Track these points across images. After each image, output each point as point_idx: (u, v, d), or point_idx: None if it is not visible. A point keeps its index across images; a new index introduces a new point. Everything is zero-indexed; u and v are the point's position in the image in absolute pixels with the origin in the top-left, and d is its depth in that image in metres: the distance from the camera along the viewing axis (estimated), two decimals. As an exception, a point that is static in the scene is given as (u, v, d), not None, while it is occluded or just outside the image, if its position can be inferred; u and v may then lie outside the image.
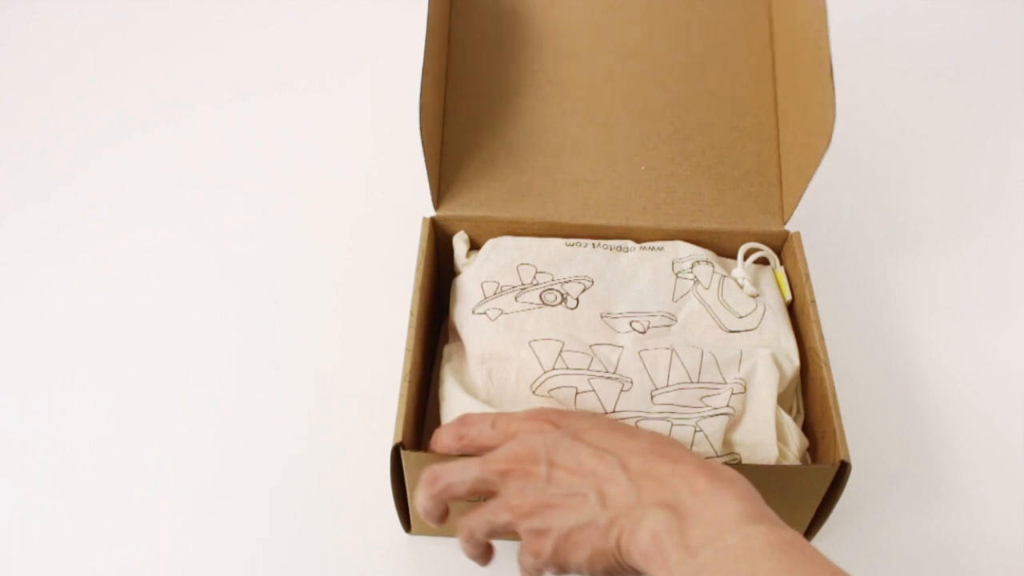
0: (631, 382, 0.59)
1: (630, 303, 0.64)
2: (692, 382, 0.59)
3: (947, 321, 0.76)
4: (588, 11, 0.77)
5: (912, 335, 0.75)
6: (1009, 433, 0.69)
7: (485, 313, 0.63)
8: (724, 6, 0.77)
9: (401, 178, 0.84)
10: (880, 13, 1.03)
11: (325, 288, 0.77)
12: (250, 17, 1.03)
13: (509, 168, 0.70)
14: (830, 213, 0.83)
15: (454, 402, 0.60)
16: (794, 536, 0.42)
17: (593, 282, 0.65)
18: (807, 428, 0.62)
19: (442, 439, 0.54)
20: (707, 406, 0.58)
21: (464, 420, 0.53)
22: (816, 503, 0.58)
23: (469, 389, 0.61)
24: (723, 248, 0.69)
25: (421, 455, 0.56)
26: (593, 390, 0.58)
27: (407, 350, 0.59)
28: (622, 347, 0.61)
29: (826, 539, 0.63)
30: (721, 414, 0.57)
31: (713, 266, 0.66)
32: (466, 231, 0.69)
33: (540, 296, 0.64)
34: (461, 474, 0.50)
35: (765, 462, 0.57)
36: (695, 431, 0.57)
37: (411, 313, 0.61)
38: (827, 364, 0.60)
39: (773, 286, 0.67)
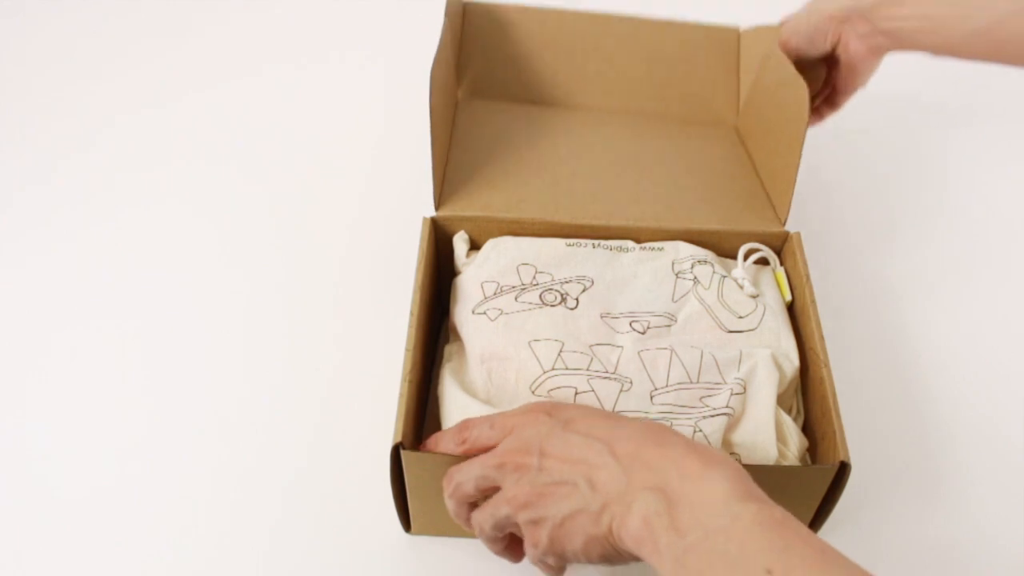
0: (630, 382, 0.59)
1: (630, 303, 0.64)
2: (692, 382, 0.59)
3: (948, 321, 0.76)
4: (591, 42, 0.82)
5: (912, 335, 0.75)
6: (1010, 433, 0.69)
7: (485, 313, 0.63)
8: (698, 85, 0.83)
9: (401, 178, 0.84)
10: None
11: (325, 288, 0.77)
12: (253, 16, 1.03)
13: (510, 183, 0.71)
14: (830, 213, 0.83)
15: (453, 402, 0.60)
16: (783, 514, 0.42)
17: (593, 282, 0.65)
18: (807, 428, 0.62)
19: (443, 444, 0.54)
20: (707, 406, 0.58)
21: (464, 424, 0.54)
22: (816, 503, 0.58)
23: (469, 389, 0.61)
24: (723, 248, 0.69)
25: (421, 455, 0.56)
26: (592, 390, 0.58)
27: (407, 350, 0.59)
28: (622, 347, 0.61)
29: (826, 539, 0.62)
30: (721, 414, 0.57)
31: (713, 266, 0.66)
32: (466, 231, 0.69)
33: (540, 296, 0.64)
34: (466, 472, 0.51)
35: (764, 462, 0.57)
36: (695, 431, 0.57)
37: (411, 313, 0.61)
38: (827, 364, 0.60)
39: (773, 286, 0.67)
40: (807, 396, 0.63)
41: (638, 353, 0.60)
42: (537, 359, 0.60)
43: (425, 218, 0.67)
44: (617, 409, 0.58)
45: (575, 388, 0.58)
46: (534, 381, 0.59)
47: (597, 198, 0.70)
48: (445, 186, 0.70)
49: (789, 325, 0.64)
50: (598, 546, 0.46)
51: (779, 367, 0.61)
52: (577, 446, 0.47)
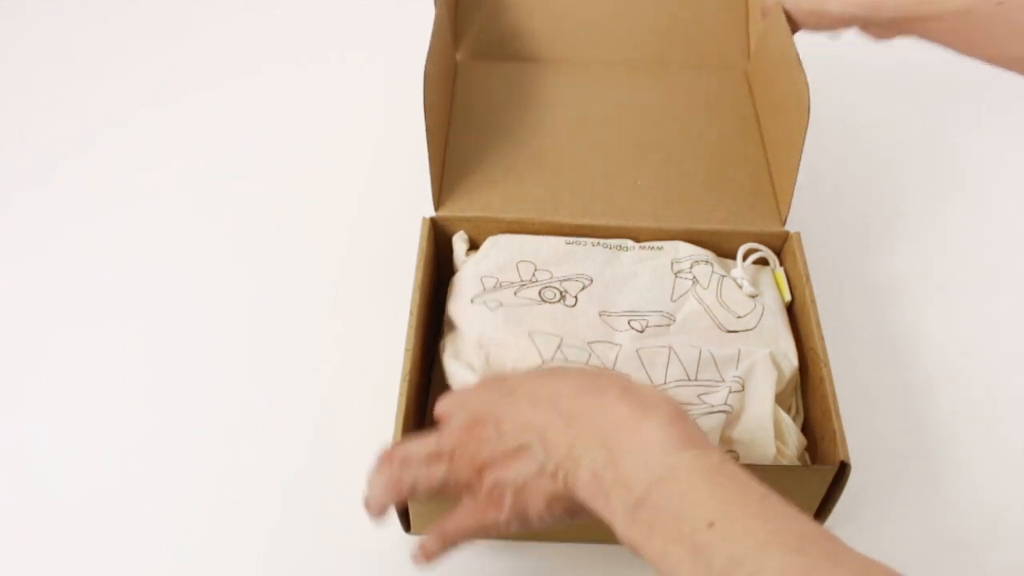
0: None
1: (629, 302, 0.64)
2: (690, 380, 0.59)
3: (948, 321, 0.76)
4: (589, 39, 0.82)
5: (912, 335, 0.75)
6: (1010, 433, 0.69)
7: (484, 303, 0.63)
8: (706, 28, 0.82)
9: (401, 178, 0.84)
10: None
11: (325, 288, 0.77)
12: (253, 16, 1.03)
13: (510, 181, 0.71)
14: (830, 213, 0.83)
15: (458, 378, 0.60)
16: (720, 458, 0.42)
17: (592, 280, 0.65)
18: (807, 428, 0.62)
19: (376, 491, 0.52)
20: (705, 403, 0.58)
21: (402, 445, 0.52)
22: (816, 503, 0.58)
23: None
24: (723, 248, 0.69)
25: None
26: None
27: (407, 350, 0.59)
28: (620, 345, 0.61)
29: (826, 539, 0.63)
30: (719, 411, 0.57)
31: (712, 266, 0.66)
32: (466, 231, 0.69)
33: (539, 293, 0.64)
34: (419, 469, 0.50)
35: (763, 460, 0.57)
36: None
37: (411, 313, 0.61)
38: (827, 364, 0.60)
39: (772, 286, 0.67)
40: (807, 396, 0.63)
41: (636, 351, 0.60)
42: (537, 348, 0.60)
43: (425, 218, 0.67)
44: None
45: None
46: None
47: (597, 194, 0.70)
48: (444, 185, 0.70)
49: (788, 325, 0.64)
50: (559, 503, 0.46)
51: (777, 366, 0.61)
52: (525, 409, 0.48)
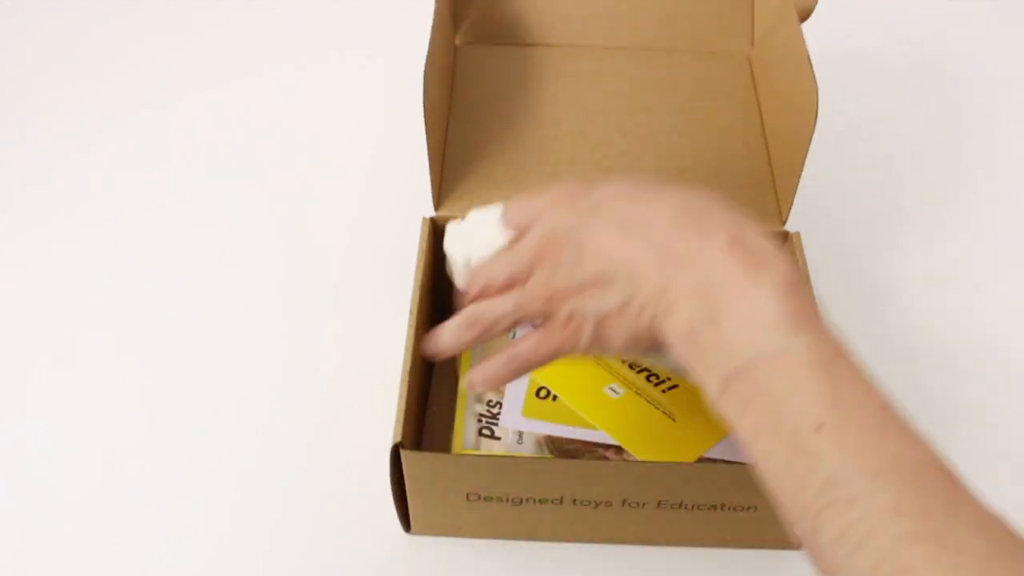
0: None
1: None
2: None
3: (949, 321, 0.76)
4: (590, 24, 0.81)
5: (913, 335, 0.75)
6: (1012, 433, 0.69)
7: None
8: (710, 13, 0.81)
9: (401, 178, 0.84)
10: (879, 13, 1.03)
11: (325, 288, 0.77)
12: (253, 16, 1.03)
13: (509, 178, 0.71)
14: (830, 213, 0.83)
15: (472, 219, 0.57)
16: (836, 350, 0.38)
17: None
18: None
19: (449, 327, 0.49)
20: None
21: (476, 272, 0.49)
22: (816, 503, 0.58)
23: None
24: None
25: (421, 455, 0.56)
26: None
27: (407, 350, 0.59)
28: None
29: (826, 539, 0.63)
30: None
31: None
32: (466, 231, 0.69)
33: None
34: (493, 270, 0.47)
35: None
36: None
37: (411, 313, 0.61)
38: (827, 364, 0.60)
39: None
40: (807, 396, 0.63)
41: None
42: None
43: (425, 218, 0.67)
44: None
45: None
46: None
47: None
48: (444, 185, 0.70)
49: None
50: (643, 341, 0.44)
51: None
52: (613, 235, 0.43)
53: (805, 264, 0.66)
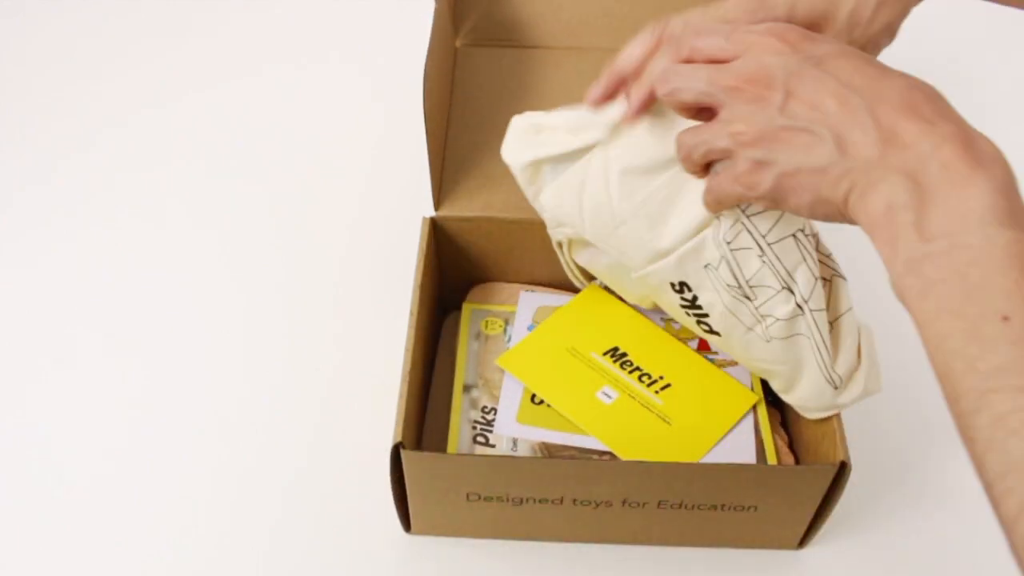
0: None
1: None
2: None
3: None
4: (589, 26, 0.80)
5: (913, 335, 0.75)
6: None
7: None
8: None
9: (401, 178, 0.84)
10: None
11: (325, 288, 0.77)
12: (253, 16, 1.03)
13: (510, 180, 0.71)
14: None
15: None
16: None
17: None
18: (808, 429, 0.62)
19: (657, 59, 0.47)
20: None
21: (698, 31, 0.46)
22: (816, 503, 0.58)
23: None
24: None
25: (421, 454, 0.56)
26: None
27: (407, 350, 0.59)
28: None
29: (826, 539, 0.63)
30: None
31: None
32: (466, 231, 0.69)
33: None
34: (689, 78, 0.45)
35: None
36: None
37: (411, 313, 0.61)
38: (827, 364, 0.60)
39: None
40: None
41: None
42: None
43: (425, 218, 0.67)
44: None
45: None
46: None
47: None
48: (444, 185, 0.70)
49: None
50: (825, 208, 0.43)
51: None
52: (831, 93, 0.41)
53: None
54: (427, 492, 0.58)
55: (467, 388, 0.66)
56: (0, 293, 0.77)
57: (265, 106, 0.93)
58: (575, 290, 0.70)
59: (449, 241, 0.69)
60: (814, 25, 0.50)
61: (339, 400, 0.70)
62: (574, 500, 0.58)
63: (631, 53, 0.51)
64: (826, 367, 0.56)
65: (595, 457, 0.61)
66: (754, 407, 0.64)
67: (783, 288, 0.54)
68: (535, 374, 0.64)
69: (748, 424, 0.63)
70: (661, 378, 0.65)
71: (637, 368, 0.65)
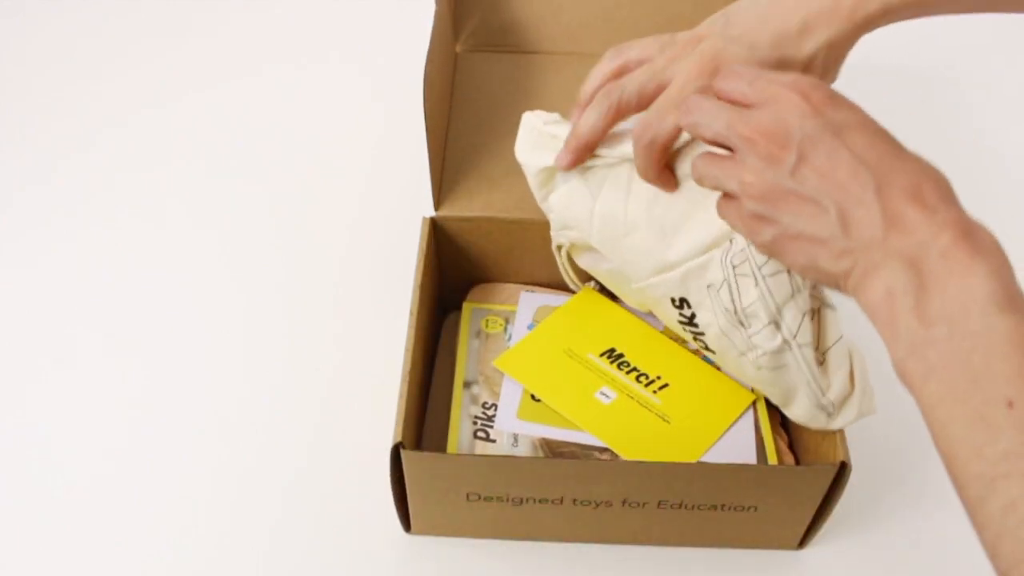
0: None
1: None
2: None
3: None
4: (589, 31, 0.80)
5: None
6: None
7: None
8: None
9: (401, 178, 0.84)
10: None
11: (325, 288, 0.77)
12: (253, 16, 1.03)
13: (510, 181, 0.71)
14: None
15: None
16: None
17: None
18: (807, 429, 0.62)
19: (681, 79, 0.51)
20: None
21: (724, 74, 0.47)
22: (816, 503, 0.58)
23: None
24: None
25: (421, 454, 0.56)
26: None
27: (407, 350, 0.59)
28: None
29: (826, 539, 0.63)
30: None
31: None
32: (466, 231, 0.69)
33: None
34: (710, 116, 0.46)
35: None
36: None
37: (411, 313, 0.61)
38: (827, 364, 0.60)
39: None
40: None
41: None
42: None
43: (425, 218, 0.67)
44: None
45: None
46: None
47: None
48: (444, 185, 0.70)
49: None
50: (821, 277, 0.44)
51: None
52: (843, 165, 0.42)
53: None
54: (427, 492, 0.58)
55: (467, 384, 0.66)
56: (0, 293, 0.77)
57: (265, 106, 0.93)
58: (574, 292, 0.70)
59: (449, 241, 0.69)
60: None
61: (339, 400, 0.70)
62: (574, 500, 0.58)
63: (588, 87, 0.57)
64: (817, 396, 0.57)
65: (596, 454, 0.61)
66: (754, 407, 0.64)
67: (771, 323, 0.55)
68: (533, 376, 0.65)
69: (748, 424, 0.63)
70: (659, 378, 0.65)
71: (634, 369, 0.65)
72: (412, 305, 0.61)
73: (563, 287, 0.71)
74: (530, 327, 0.69)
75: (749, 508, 0.58)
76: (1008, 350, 0.37)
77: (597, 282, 0.69)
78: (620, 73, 0.56)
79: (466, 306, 0.71)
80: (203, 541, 0.63)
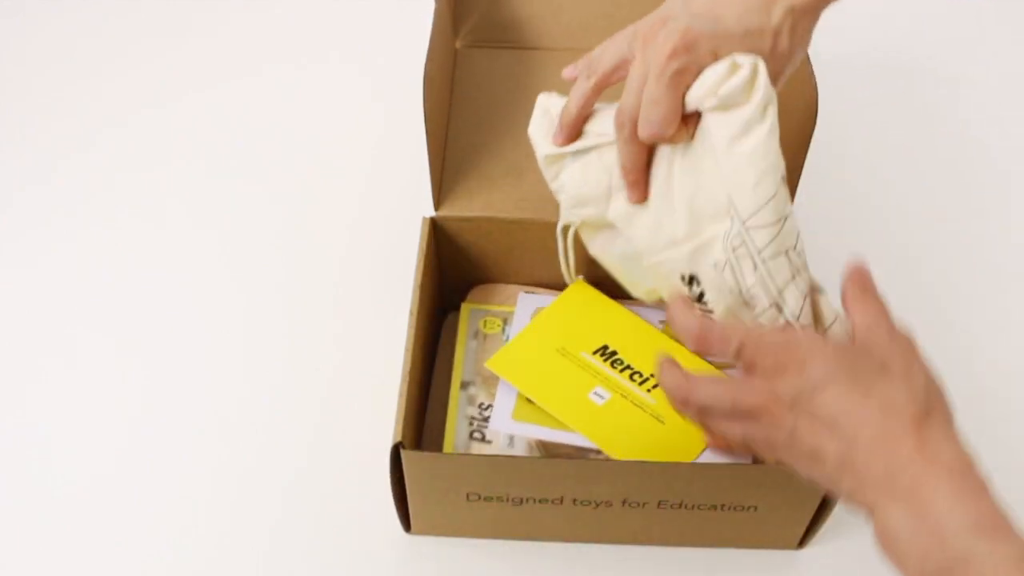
0: None
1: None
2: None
3: (949, 321, 0.76)
4: (588, 42, 0.79)
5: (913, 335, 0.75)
6: (1011, 434, 0.69)
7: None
8: None
9: (401, 178, 0.84)
10: (881, 17, 1.03)
11: (325, 288, 0.77)
12: (253, 16, 1.03)
13: (510, 180, 0.71)
14: (830, 213, 0.83)
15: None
16: (1021, 548, 0.41)
17: None
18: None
19: (685, 328, 0.53)
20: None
21: (705, 337, 0.51)
22: (816, 503, 0.58)
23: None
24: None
25: (421, 454, 0.56)
26: None
27: (407, 350, 0.59)
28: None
29: (826, 539, 0.63)
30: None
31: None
32: (466, 231, 0.69)
33: None
34: (716, 400, 0.50)
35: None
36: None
37: (411, 313, 0.61)
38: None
39: None
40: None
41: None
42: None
43: (425, 218, 0.67)
44: None
45: None
46: None
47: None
48: (444, 185, 0.70)
49: None
50: (825, 481, 0.47)
51: None
52: (820, 431, 0.46)
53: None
54: (427, 492, 0.58)
55: (464, 385, 0.66)
56: (0, 293, 0.77)
57: (265, 106, 0.93)
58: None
59: (449, 241, 0.69)
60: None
61: (339, 400, 0.70)
62: (574, 500, 0.58)
63: (572, 111, 0.59)
64: None
65: (592, 455, 0.61)
66: None
67: (772, 305, 0.55)
68: (526, 377, 0.64)
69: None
70: (652, 376, 0.64)
71: (628, 367, 0.64)
72: (412, 305, 0.61)
73: (563, 288, 0.71)
74: (529, 328, 0.68)
75: (749, 508, 0.58)
76: (1001, 571, 0.40)
77: (598, 270, 0.67)
78: (599, 90, 0.58)
79: (464, 306, 0.71)
80: (203, 541, 0.63)
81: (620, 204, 0.60)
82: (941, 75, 0.97)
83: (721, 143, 0.53)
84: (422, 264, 0.64)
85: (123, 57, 0.98)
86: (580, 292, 0.69)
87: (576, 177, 0.60)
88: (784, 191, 0.54)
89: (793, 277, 0.54)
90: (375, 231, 0.81)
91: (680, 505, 0.58)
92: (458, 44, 0.81)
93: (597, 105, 0.60)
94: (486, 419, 0.63)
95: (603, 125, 0.59)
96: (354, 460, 0.66)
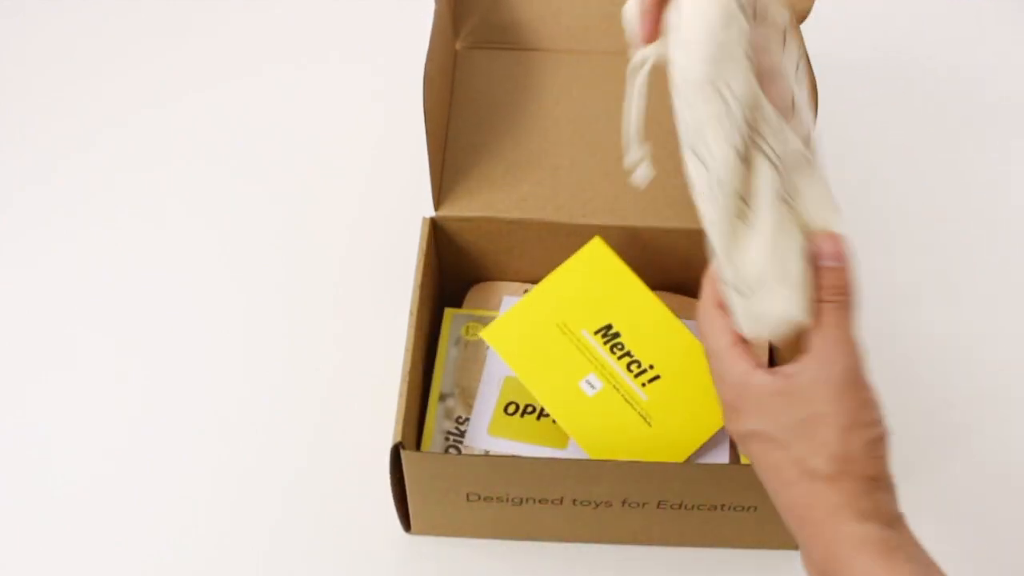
0: None
1: None
2: None
3: (950, 320, 0.76)
4: (589, 43, 0.80)
5: (913, 335, 0.75)
6: (1011, 433, 0.69)
7: None
8: None
9: (401, 178, 0.84)
10: (881, 17, 1.03)
11: (325, 288, 0.77)
12: (253, 16, 1.03)
13: (510, 180, 0.71)
14: (830, 213, 0.83)
15: None
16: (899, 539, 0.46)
17: None
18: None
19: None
20: None
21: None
22: (816, 503, 0.58)
23: None
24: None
25: (421, 455, 0.56)
26: None
27: (407, 350, 0.59)
28: None
29: (826, 539, 0.63)
30: None
31: None
32: (466, 231, 0.69)
33: None
34: None
35: None
36: None
37: (411, 313, 0.61)
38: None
39: None
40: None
41: None
42: None
43: (425, 218, 0.67)
44: None
45: None
46: None
47: (597, 193, 0.70)
48: (444, 185, 0.70)
49: None
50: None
51: None
52: (757, 468, 0.50)
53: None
54: (427, 492, 0.58)
55: (443, 397, 0.65)
56: (0, 293, 0.77)
57: (265, 106, 0.93)
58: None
59: (449, 241, 0.69)
60: None
61: (339, 400, 0.70)
62: (574, 500, 0.58)
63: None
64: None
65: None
66: None
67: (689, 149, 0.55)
68: (519, 354, 0.63)
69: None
70: (651, 367, 0.63)
71: (628, 353, 0.63)
72: (412, 305, 0.61)
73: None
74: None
75: (749, 508, 0.58)
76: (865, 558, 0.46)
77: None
78: None
79: (447, 312, 0.70)
80: (203, 541, 0.63)
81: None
82: (941, 75, 0.96)
83: None
84: (422, 264, 0.64)
85: (123, 57, 0.98)
86: (595, 252, 0.66)
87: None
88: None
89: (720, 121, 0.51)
90: (375, 231, 0.81)
91: (680, 505, 0.58)
92: (458, 45, 0.81)
93: None
94: (462, 433, 0.63)
95: None
96: (354, 460, 0.66)
